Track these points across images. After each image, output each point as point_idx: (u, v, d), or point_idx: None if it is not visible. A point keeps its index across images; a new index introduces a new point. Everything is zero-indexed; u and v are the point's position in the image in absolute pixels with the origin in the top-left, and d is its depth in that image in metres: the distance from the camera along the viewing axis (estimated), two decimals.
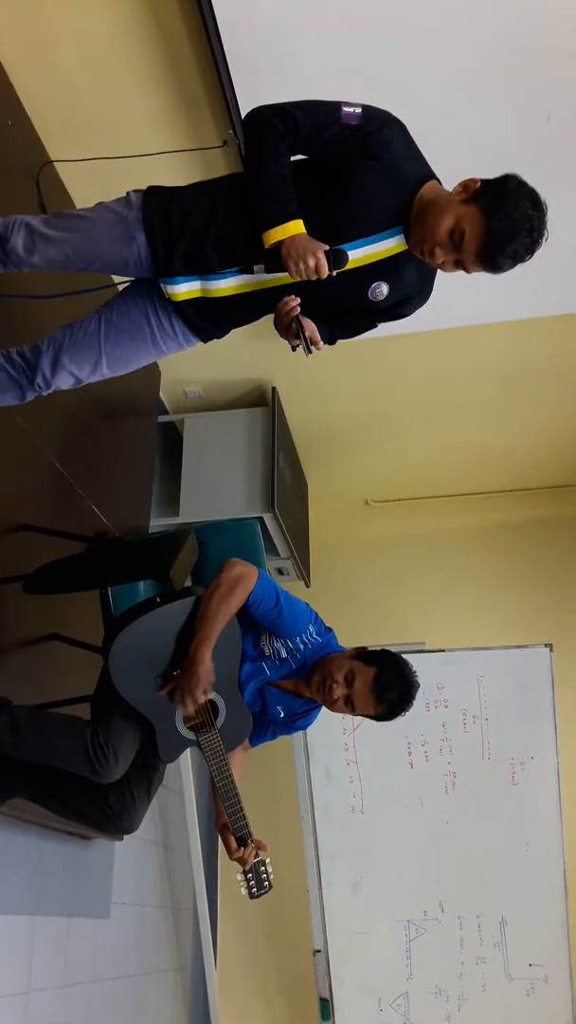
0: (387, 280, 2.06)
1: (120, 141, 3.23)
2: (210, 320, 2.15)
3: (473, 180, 1.92)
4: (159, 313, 2.14)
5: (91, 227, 2.07)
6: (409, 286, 2.11)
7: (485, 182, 1.91)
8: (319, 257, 1.89)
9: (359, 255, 2.00)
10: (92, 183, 3.34)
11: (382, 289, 2.07)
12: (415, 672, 2.33)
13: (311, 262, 1.88)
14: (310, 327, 1.98)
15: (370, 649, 2.36)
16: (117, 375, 2.22)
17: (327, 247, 1.91)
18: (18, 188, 3.18)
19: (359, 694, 2.26)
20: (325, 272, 1.90)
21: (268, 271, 1.98)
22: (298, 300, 1.95)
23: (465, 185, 1.93)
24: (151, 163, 3.20)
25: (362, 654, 2.33)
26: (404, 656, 2.36)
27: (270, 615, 2.28)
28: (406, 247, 2.03)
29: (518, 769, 3.98)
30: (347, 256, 1.93)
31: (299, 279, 1.92)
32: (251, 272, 2.01)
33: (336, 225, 1.96)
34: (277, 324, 2.01)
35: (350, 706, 2.28)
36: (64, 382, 2.18)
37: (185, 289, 2.07)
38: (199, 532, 2.60)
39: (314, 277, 1.91)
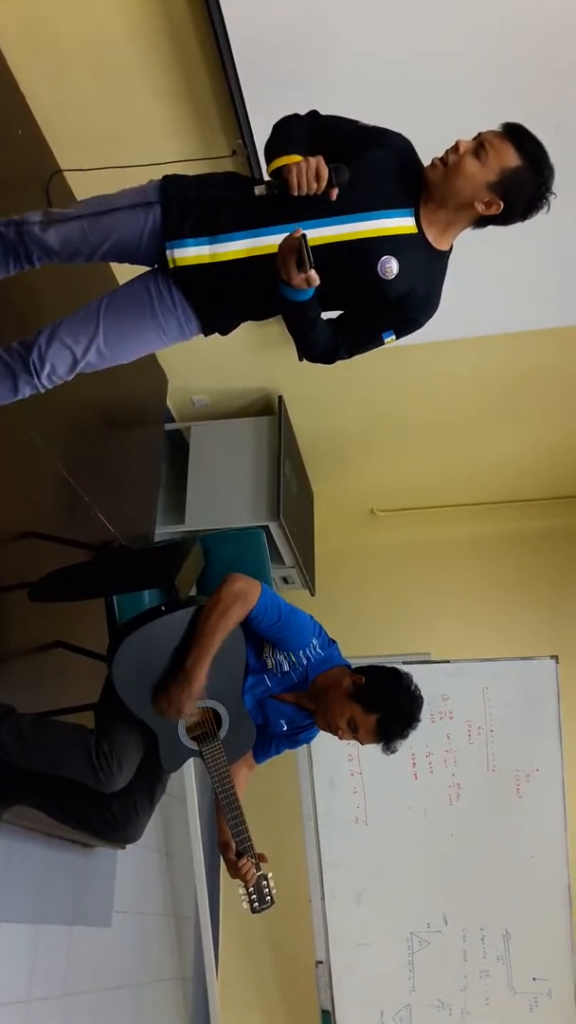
0: (397, 257, 2.02)
1: (129, 150, 3.24)
2: (214, 297, 2.10)
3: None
4: (160, 283, 2.11)
5: (109, 200, 2.12)
6: (418, 273, 2.06)
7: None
8: (319, 160, 1.89)
9: (370, 227, 2.01)
10: (101, 192, 3.35)
11: (391, 265, 2.02)
12: (416, 698, 2.29)
13: (312, 162, 1.89)
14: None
15: (367, 682, 2.28)
16: (116, 358, 2.15)
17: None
18: (28, 197, 3.19)
19: (363, 738, 2.28)
20: (325, 174, 1.89)
21: (268, 190, 1.97)
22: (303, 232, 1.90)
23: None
24: (160, 172, 3.18)
25: (361, 692, 2.25)
26: (409, 670, 2.33)
27: (272, 629, 2.27)
28: (416, 231, 2.04)
29: (523, 781, 3.97)
30: (347, 171, 1.93)
31: (300, 189, 1.90)
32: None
33: (348, 192, 1.96)
34: (280, 263, 1.92)
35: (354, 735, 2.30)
36: (59, 359, 2.08)
37: (193, 253, 2.05)
38: (204, 541, 2.60)
39: (314, 187, 1.90)
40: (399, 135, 2.07)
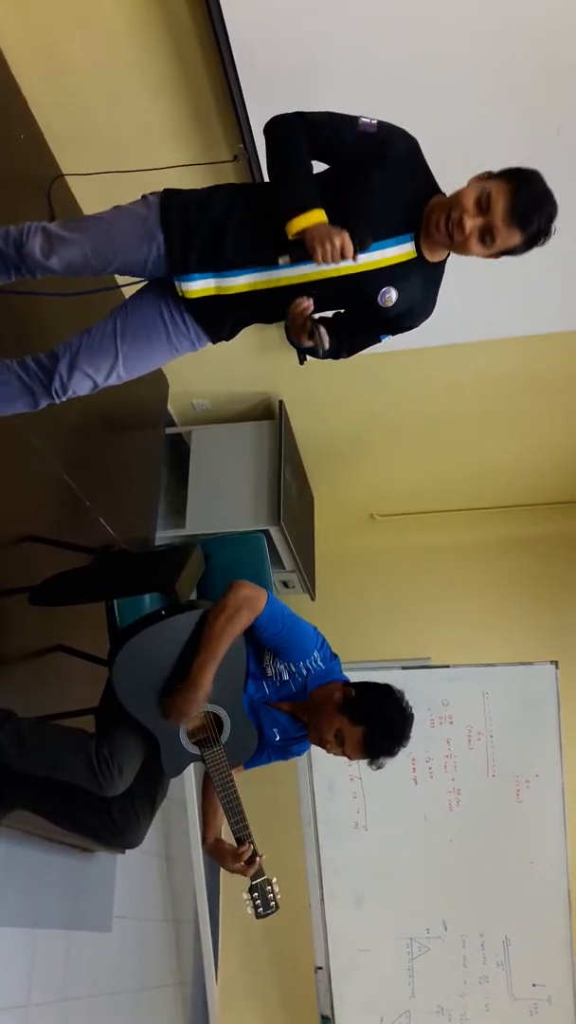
0: (396, 286, 2.06)
1: (131, 155, 3.24)
2: (222, 319, 2.15)
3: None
4: (172, 310, 2.14)
5: (110, 228, 2.09)
6: (415, 295, 2.11)
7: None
8: (344, 237, 1.87)
9: (371, 259, 2.01)
10: (102, 196, 3.31)
11: (391, 295, 2.07)
12: (407, 716, 2.27)
13: (337, 242, 1.86)
14: (321, 328, 1.98)
15: (356, 695, 2.26)
16: (133, 377, 2.21)
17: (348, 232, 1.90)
18: (29, 201, 3.19)
19: (350, 751, 2.28)
20: (350, 252, 1.88)
21: (293, 260, 1.96)
22: (311, 300, 1.95)
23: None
24: (161, 177, 3.20)
25: (350, 705, 2.24)
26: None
27: (275, 638, 2.27)
28: (415, 255, 2.05)
29: (523, 787, 3.95)
30: (370, 239, 1.92)
31: (324, 262, 1.89)
32: (276, 265, 1.98)
33: (348, 228, 1.94)
34: (290, 325, 2.00)
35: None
36: (81, 386, 2.17)
37: (199, 286, 2.06)
38: (205, 545, 2.59)
39: (339, 261, 1.89)
40: (403, 137, 2.01)
